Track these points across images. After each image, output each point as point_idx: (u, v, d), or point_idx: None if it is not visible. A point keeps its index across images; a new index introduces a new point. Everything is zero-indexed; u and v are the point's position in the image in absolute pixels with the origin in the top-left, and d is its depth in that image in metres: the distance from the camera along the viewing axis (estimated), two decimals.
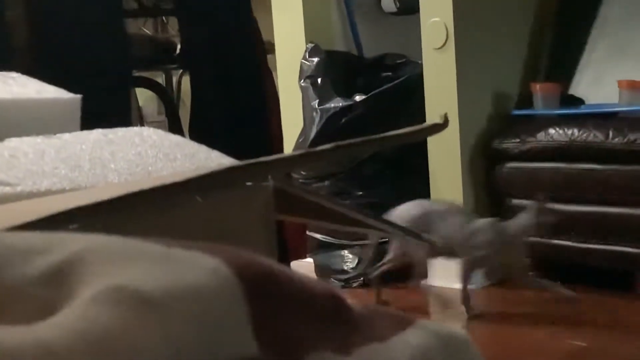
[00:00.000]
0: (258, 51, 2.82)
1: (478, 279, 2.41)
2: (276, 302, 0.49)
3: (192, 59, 2.68)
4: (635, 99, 2.33)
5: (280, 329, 0.48)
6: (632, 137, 2.23)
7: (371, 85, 2.65)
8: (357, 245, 2.55)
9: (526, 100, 2.59)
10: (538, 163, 2.45)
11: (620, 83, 2.35)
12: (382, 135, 0.90)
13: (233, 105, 2.61)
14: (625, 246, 2.27)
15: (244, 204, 0.85)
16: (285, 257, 2.55)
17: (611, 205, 2.30)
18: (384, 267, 2.28)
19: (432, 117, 2.60)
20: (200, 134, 2.49)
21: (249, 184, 0.84)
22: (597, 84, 2.51)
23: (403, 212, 2.18)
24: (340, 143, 0.85)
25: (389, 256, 2.28)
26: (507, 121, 2.57)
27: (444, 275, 2.42)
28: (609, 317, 2.15)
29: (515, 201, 2.50)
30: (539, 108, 2.52)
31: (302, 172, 2.65)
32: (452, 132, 2.53)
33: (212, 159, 1.00)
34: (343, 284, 2.50)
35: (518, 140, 2.47)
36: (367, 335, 0.53)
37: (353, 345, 0.51)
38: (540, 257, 2.47)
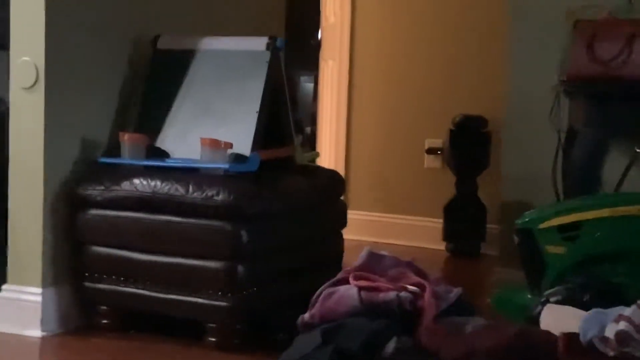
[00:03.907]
0: None
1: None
2: None
3: None
4: (215, 157, 2.61)
5: None
6: (209, 192, 2.51)
7: None
8: None
9: (114, 148, 2.74)
10: (121, 212, 2.61)
11: (202, 140, 2.62)
12: None
13: None
14: (198, 297, 2.53)
15: None
16: None
17: (189, 257, 2.54)
18: None
19: (16, 157, 2.64)
20: None
21: None
22: (182, 139, 2.74)
23: None
24: None
25: None
26: (93, 168, 2.70)
27: None
28: None
29: (97, 249, 2.65)
30: (126, 157, 2.69)
31: None
32: (36, 174, 2.60)
33: None
34: None
35: (103, 187, 2.61)
36: None
37: None
38: (117, 305, 2.65)
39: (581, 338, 1.93)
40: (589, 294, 2.28)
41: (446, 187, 4.10)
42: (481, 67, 4.11)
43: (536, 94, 3.09)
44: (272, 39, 2.79)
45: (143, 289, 2.61)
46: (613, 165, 2.85)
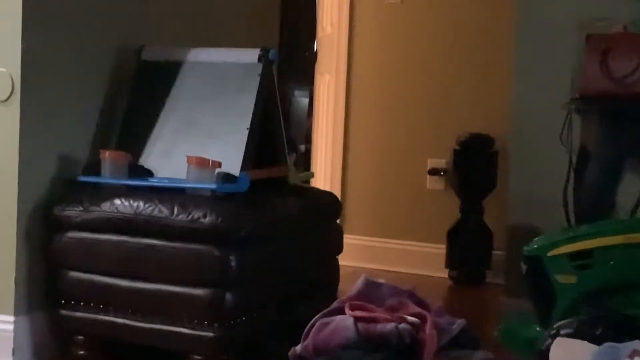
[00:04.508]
0: None
1: None
2: None
3: None
4: (203, 176, 2.61)
5: None
6: (196, 214, 2.51)
7: None
8: None
9: (94, 166, 2.74)
10: (101, 234, 2.61)
11: (189, 159, 2.62)
12: None
13: None
14: (182, 327, 2.52)
15: None
16: None
17: (173, 284, 2.54)
18: None
19: None
20: None
21: None
22: (167, 157, 2.75)
23: None
24: None
25: None
26: (72, 187, 2.69)
27: None
28: None
29: (74, 274, 2.64)
30: (107, 176, 2.69)
31: None
32: (10, 193, 2.59)
33: None
34: None
35: (81, 208, 2.61)
36: None
37: None
38: (95, 335, 2.64)
39: None
40: (602, 327, 2.27)
41: (450, 210, 4.10)
42: (487, 81, 4.13)
43: (545, 112, 3.10)
44: (265, 50, 2.80)
45: (123, 317, 2.60)
46: (628, 189, 2.86)
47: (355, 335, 2.17)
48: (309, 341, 2.21)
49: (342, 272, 3.15)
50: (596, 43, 2.84)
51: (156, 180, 2.72)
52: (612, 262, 2.45)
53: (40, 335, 2.67)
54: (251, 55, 2.80)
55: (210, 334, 2.51)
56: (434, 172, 4.25)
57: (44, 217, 2.66)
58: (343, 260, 3.23)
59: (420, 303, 2.36)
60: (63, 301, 2.66)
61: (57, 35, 2.71)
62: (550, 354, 2.17)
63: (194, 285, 2.53)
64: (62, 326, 2.68)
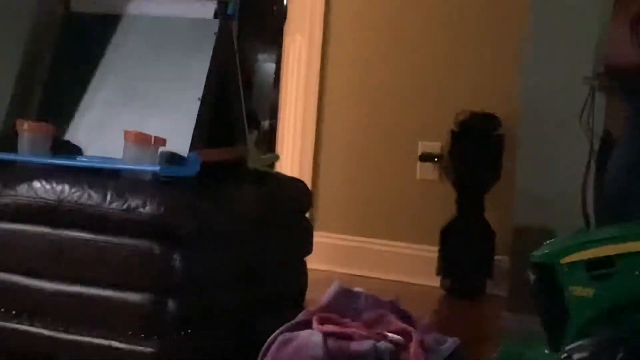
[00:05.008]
0: None
1: None
2: None
3: None
4: (142, 156, 2.59)
5: None
6: (133, 203, 2.50)
7: None
8: None
9: (9, 141, 2.72)
10: (15, 224, 2.61)
11: (126, 134, 2.60)
12: None
13: None
14: (114, 339, 2.50)
15: None
16: None
17: (103, 287, 2.54)
18: None
19: None
20: None
21: None
22: (100, 131, 2.74)
23: None
24: None
25: None
26: None
27: None
28: None
29: None
30: (25, 153, 2.68)
31: None
32: None
33: None
34: None
35: None
36: None
37: None
38: (5, 348, 2.63)
39: None
40: (623, 350, 2.28)
41: (444, 205, 4.11)
42: (493, 50, 4.14)
43: (561, 88, 3.12)
44: (223, 3, 2.79)
45: (41, 327, 2.59)
46: None
47: (324, 355, 2.18)
48: None
49: (310, 277, 3.16)
50: (627, 5, 2.84)
51: (85, 160, 2.71)
52: (637, 273, 2.46)
53: None
54: (205, 9, 2.79)
55: (149, 349, 2.51)
56: (426, 157, 4.26)
57: None
58: (312, 263, 3.25)
59: (405, 317, 2.37)
60: None
61: None
62: None
63: (130, 289, 2.53)
64: None
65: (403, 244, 4.27)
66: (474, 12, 4.20)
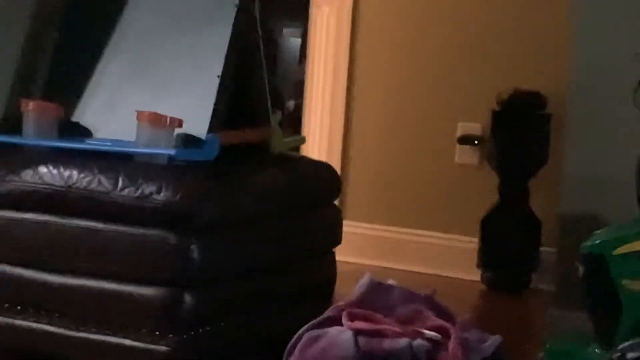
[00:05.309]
0: None
1: None
2: None
3: None
4: (157, 138, 2.62)
5: None
6: (147, 189, 2.52)
7: None
8: None
9: (13, 122, 2.76)
10: (20, 213, 2.64)
11: (140, 115, 2.62)
12: None
13: None
14: (126, 337, 2.55)
15: None
16: None
17: (115, 281, 2.57)
18: None
19: None
20: None
21: None
22: (110, 112, 2.77)
23: None
24: None
25: None
26: None
27: None
28: None
29: None
30: (30, 135, 2.71)
31: None
32: None
33: None
34: None
35: None
36: None
37: None
38: (9, 345, 2.68)
39: None
40: None
41: (485, 191, 4.12)
42: (539, 23, 4.13)
43: (615, 63, 3.11)
44: None
45: (48, 323, 2.62)
46: None
47: (355, 354, 2.18)
48: None
49: (339, 270, 3.18)
50: None
51: (95, 143, 2.73)
52: None
53: None
54: None
55: (164, 348, 2.53)
56: (465, 140, 4.27)
57: None
58: (341, 254, 3.26)
59: (443, 313, 2.36)
60: None
61: None
62: None
63: (143, 283, 2.55)
64: None
65: (440, 235, 4.28)
66: None
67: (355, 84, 4.47)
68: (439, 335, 2.24)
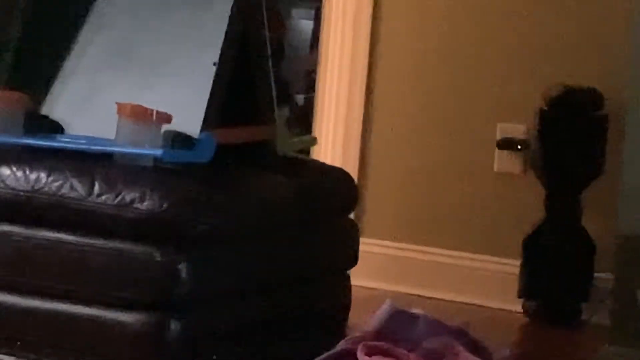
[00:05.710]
0: None
1: None
2: None
3: None
4: (141, 136, 2.62)
5: None
6: (128, 196, 2.52)
7: None
8: None
9: None
10: None
11: (121, 108, 2.62)
12: None
13: None
14: None
15: None
16: None
17: (89, 304, 2.57)
18: None
19: None
20: None
21: None
22: (86, 104, 2.78)
23: None
24: None
25: None
26: None
27: None
28: None
29: None
30: None
31: None
32: None
33: None
34: None
35: None
36: None
37: None
38: None
39: None
40: None
41: (529, 206, 4.11)
42: (594, 11, 4.12)
43: None
44: None
45: (8, 353, 2.62)
46: None
47: None
48: None
49: (355, 295, 3.19)
50: None
51: (68, 140, 2.74)
52: None
53: None
54: None
55: None
56: (507, 144, 4.25)
57: None
58: (358, 277, 3.28)
59: (477, 348, 2.38)
60: None
61: None
62: None
63: (122, 306, 2.56)
64: None
65: (474, 256, 4.27)
66: None
67: (376, 76, 4.46)
68: None
